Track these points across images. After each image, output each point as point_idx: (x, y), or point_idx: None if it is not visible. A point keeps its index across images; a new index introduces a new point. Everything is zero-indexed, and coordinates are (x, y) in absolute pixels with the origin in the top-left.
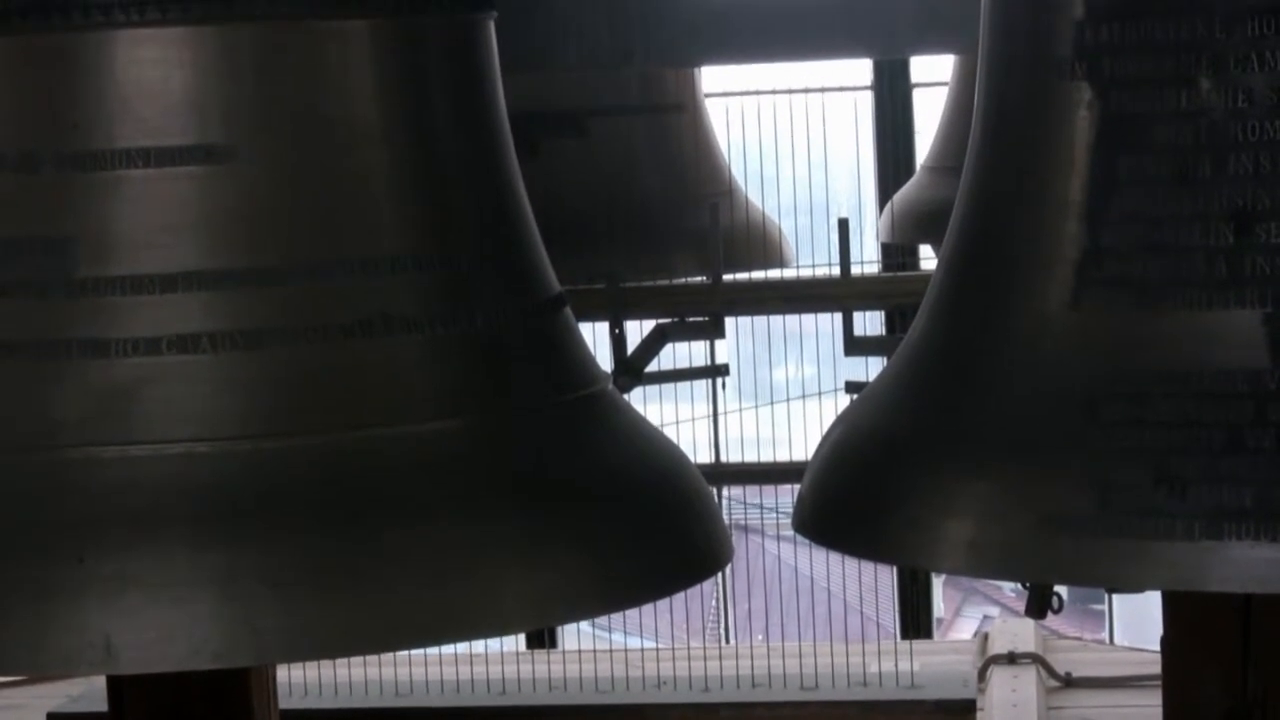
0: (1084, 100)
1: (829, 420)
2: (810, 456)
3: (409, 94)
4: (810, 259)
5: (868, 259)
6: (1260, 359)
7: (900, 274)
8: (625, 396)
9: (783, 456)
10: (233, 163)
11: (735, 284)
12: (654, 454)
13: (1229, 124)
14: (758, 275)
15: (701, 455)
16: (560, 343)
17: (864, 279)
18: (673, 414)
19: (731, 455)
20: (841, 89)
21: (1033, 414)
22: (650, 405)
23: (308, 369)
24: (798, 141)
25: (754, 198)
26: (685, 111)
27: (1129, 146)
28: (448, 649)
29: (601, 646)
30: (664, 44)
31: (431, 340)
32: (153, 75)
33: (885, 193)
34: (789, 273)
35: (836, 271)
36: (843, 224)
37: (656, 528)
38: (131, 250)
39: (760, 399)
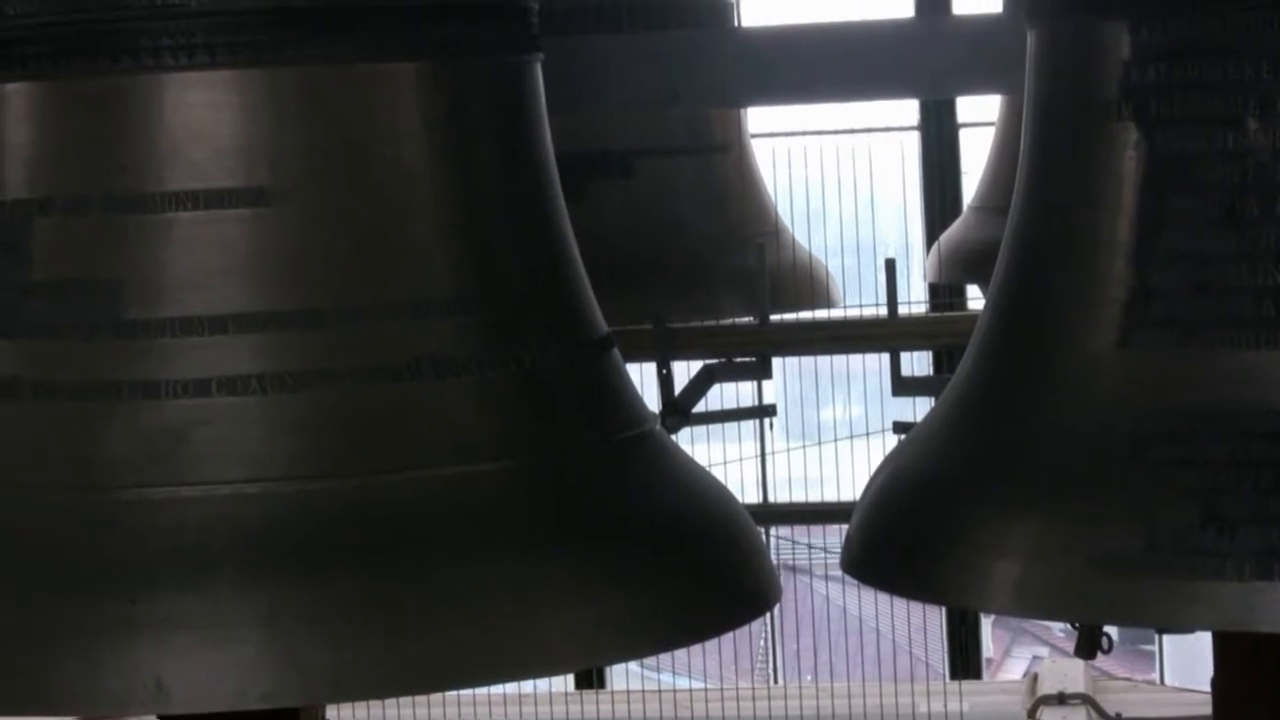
0: (1130, 141)
1: (876, 460)
2: (858, 497)
3: (456, 136)
4: (858, 299)
5: (915, 299)
6: None
7: (947, 314)
8: (673, 437)
9: (830, 496)
10: (281, 205)
11: (782, 325)
12: (702, 494)
13: (1276, 164)
14: (805, 315)
15: (749, 495)
16: (608, 383)
17: (911, 319)
18: (720, 454)
19: (779, 495)
20: (888, 129)
21: (1080, 454)
22: (698, 445)
23: (356, 411)
24: (844, 182)
25: (801, 238)
26: (731, 152)
27: (1176, 187)
28: (496, 689)
29: (650, 686)
30: (708, 85)
31: (479, 382)
32: (201, 118)
33: (932, 233)
34: (836, 313)
35: (884, 312)
36: (889, 264)
37: (705, 568)
38: (180, 292)
39: (808, 439)
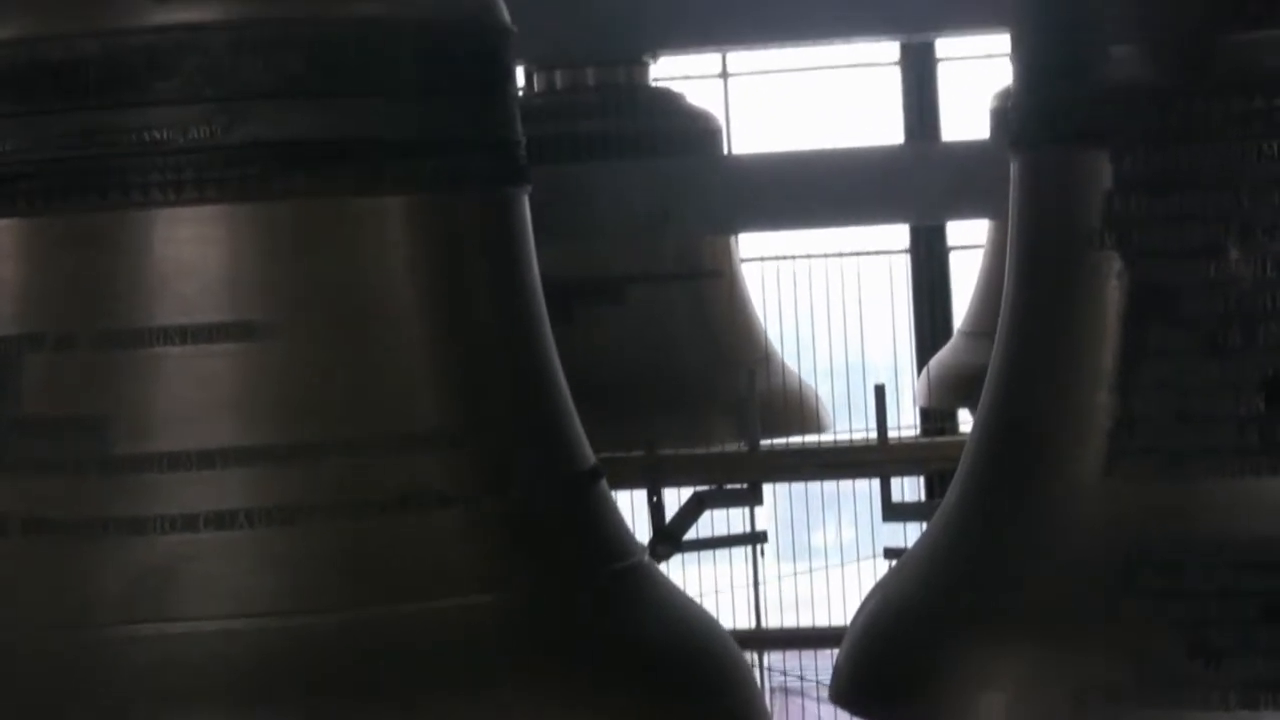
0: (1114, 270)
1: (868, 585)
2: (850, 621)
3: (445, 269)
4: (848, 422)
5: (905, 424)
6: None
7: (937, 439)
8: (665, 563)
9: (823, 620)
10: (269, 340)
11: (773, 452)
12: (689, 626)
13: (1258, 293)
14: (795, 441)
15: (741, 620)
16: (596, 516)
17: (901, 445)
18: (712, 577)
19: (772, 619)
20: (879, 253)
21: (1066, 584)
22: (689, 569)
23: (344, 545)
24: (834, 304)
25: (791, 361)
26: (722, 278)
27: (1159, 316)
28: None
29: None
30: (701, 212)
31: (468, 516)
32: (190, 253)
33: (923, 355)
34: (826, 438)
35: (874, 437)
36: (879, 390)
37: (691, 699)
38: (168, 427)
39: (800, 563)
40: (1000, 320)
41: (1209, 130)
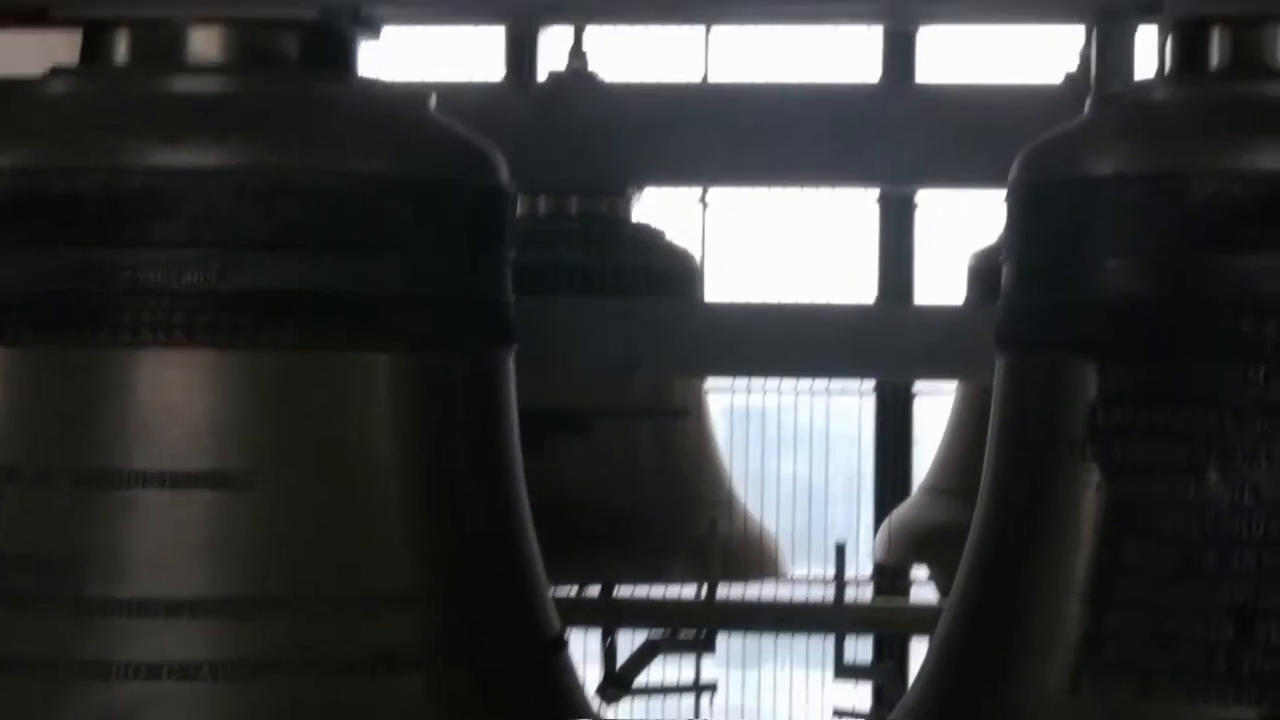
0: (1092, 481)
1: None
2: None
3: (428, 428)
4: (806, 563)
5: (862, 573)
6: None
7: (895, 604)
8: (613, 706)
9: None
10: (247, 490)
11: (729, 603)
12: None
13: (1234, 518)
14: (752, 590)
15: None
16: (558, 683)
17: (857, 607)
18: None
19: None
20: (845, 393)
21: None
22: (638, 709)
23: (310, 703)
24: (800, 440)
25: (753, 495)
26: (689, 417)
27: (1134, 532)
28: None
29: None
30: (672, 354)
31: (435, 679)
32: (175, 397)
33: (882, 498)
34: (784, 589)
35: (831, 591)
36: (839, 549)
37: None
38: (140, 572)
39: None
40: (975, 513)
41: (1196, 350)
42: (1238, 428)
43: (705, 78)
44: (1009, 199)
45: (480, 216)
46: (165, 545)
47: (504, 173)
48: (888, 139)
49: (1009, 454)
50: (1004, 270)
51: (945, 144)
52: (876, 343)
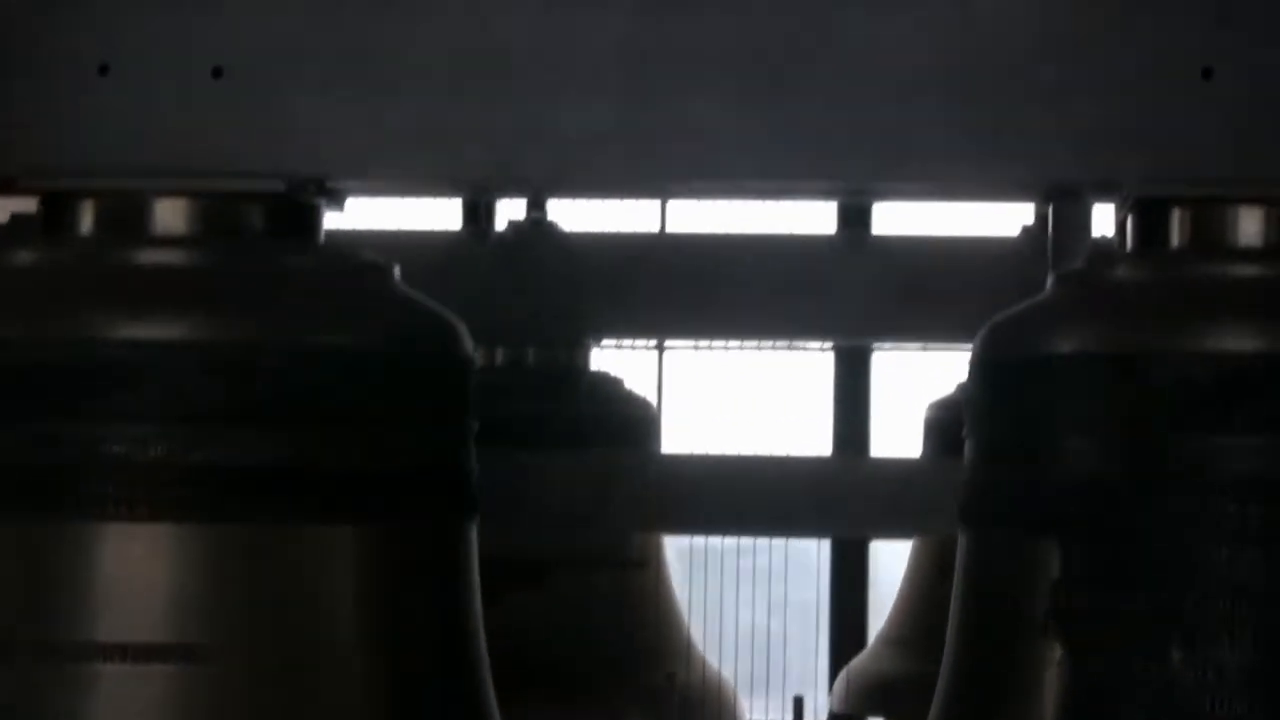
0: (1054, 660)
1: None
2: None
3: (390, 600)
4: (764, 711)
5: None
6: None
7: None
8: None
9: None
10: (209, 664)
11: None
12: None
13: (1199, 697)
14: None
15: None
16: None
17: None
18: None
19: None
20: (800, 538)
21: None
22: None
23: None
24: (759, 584)
25: (711, 637)
26: (648, 568)
27: (1097, 712)
28: None
29: None
30: (628, 509)
31: None
32: (137, 571)
33: (839, 643)
34: None
35: None
36: (797, 703)
37: None
38: None
39: None
40: (939, 685)
41: (1159, 530)
42: (1200, 609)
43: (663, 222)
44: (970, 376)
45: (443, 388)
46: (129, 718)
47: (467, 343)
48: (843, 294)
49: (972, 630)
50: (966, 445)
51: (901, 298)
52: (834, 498)
